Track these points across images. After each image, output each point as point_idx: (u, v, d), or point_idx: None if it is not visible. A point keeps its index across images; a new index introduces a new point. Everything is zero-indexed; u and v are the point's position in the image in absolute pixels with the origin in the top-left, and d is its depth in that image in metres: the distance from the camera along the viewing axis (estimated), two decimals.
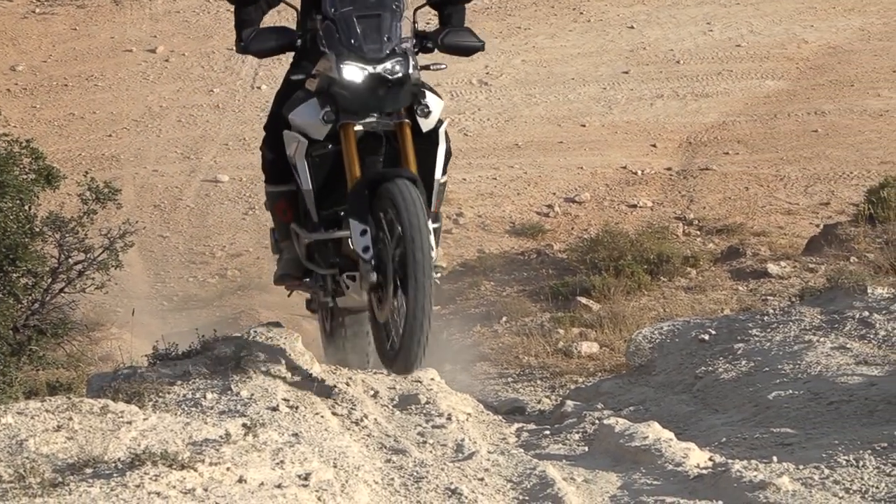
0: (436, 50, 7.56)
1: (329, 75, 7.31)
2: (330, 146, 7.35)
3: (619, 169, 15.43)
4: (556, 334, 10.68)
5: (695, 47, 17.44)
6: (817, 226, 13.14)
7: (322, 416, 6.73)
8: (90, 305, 10.33)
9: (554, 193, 14.85)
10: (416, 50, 7.43)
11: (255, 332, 7.86)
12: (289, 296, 8.26)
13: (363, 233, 7.01)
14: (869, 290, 8.05)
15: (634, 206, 14.51)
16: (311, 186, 7.40)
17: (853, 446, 5.84)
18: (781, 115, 16.32)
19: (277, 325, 8.09)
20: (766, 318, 8.00)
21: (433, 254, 6.93)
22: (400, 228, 6.80)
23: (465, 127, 15.80)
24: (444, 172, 7.55)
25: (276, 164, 7.69)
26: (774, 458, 5.82)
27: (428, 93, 7.36)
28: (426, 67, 7.46)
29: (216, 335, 7.77)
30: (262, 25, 7.72)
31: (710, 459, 5.85)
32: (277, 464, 5.29)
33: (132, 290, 12.37)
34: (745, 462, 5.75)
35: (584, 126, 15.96)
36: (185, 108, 17.08)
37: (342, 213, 7.36)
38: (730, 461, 5.75)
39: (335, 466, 5.50)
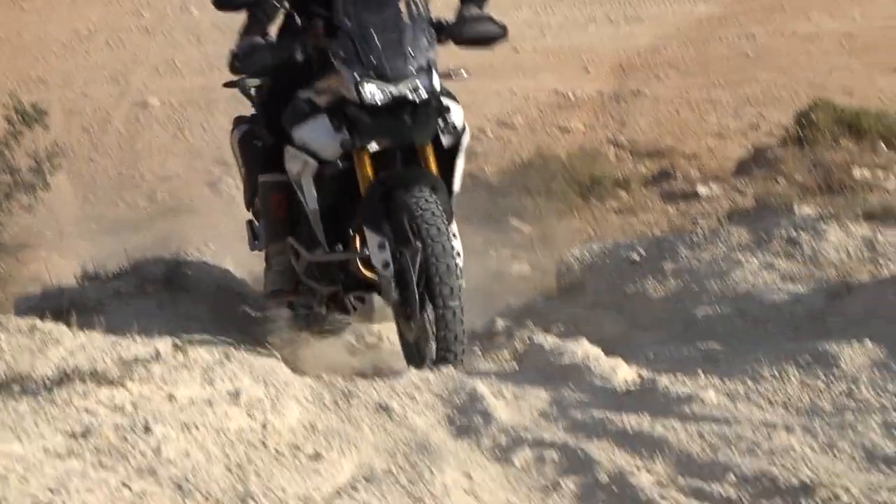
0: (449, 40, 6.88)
1: (344, 94, 6.65)
2: (340, 165, 6.74)
3: (551, 93, 15.45)
4: (487, 256, 10.73)
5: None
6: (747, 148, 13.25)
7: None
8: (18, 227, 10.27)
9: (486, 118, 14.86)
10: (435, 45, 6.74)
11: (185, 253, 7.83)
12: (287, 306, 7.50)
13: (381, 246, 6.46)
14: (796, 210, 8.14)
15: (566, 129, 14.55)
16: (318, 210, 6.77)
17: (778, 360, 5.92)
18: (713, 39, 16.39)
19: (206, 245, 8.04)
20: (694, 238, 8.07)
21: (460, 262, 6.43)
22: (421, 241, 6.34)
23: None
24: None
25: (275, 150, 6.99)
26: (700, 373, 5.89)
27: (451, 105, 6.73)
28: (447, 76, 6.82)
29: (145, 256, 7.75)
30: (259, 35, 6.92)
31: (639, 375, 5.92)
32: (207, 382, 5.31)
33: (61, 212, 12.29)
34: (671, 377, 5.83)
35: (516, 51, 15.95)
36: (113, 30, 16.90)
37: (351, 232, 6.80)
38: (657, 376, 5.83)
39: (265, 384, 5.52)
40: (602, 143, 14.15)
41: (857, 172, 8.54)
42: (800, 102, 13.07)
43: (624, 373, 5.95)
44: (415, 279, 6.36)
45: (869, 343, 6.01)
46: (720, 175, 12.11)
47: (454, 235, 6.40)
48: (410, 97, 6.51)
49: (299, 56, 6.74)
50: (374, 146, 6.58)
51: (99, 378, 5.08)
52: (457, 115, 6.67)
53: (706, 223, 10.30)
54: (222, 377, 5.37)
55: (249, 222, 7.42)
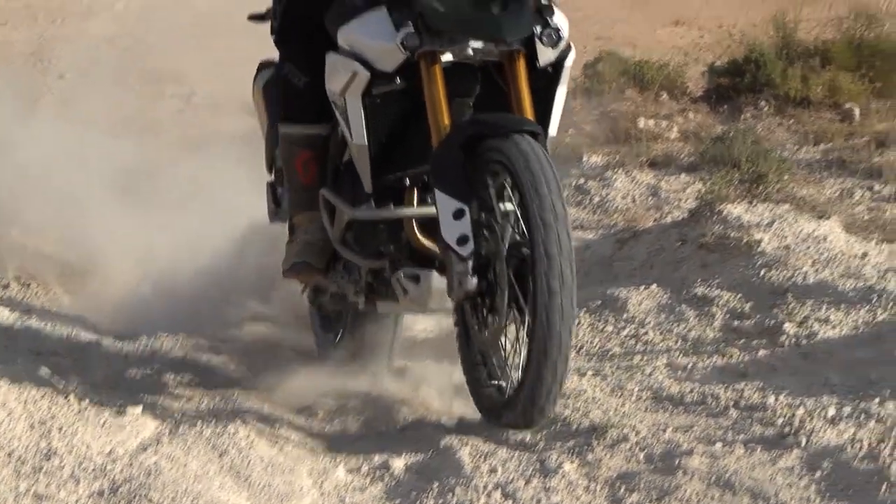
0: None
1: None
2: (398, 81, 4.99)
3: None
4: None
5: None
6: None
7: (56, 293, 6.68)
8: None
9: None
10: None
11: None
12: (302, 292, 5.86)
13: (459, 214, 4.68)
14: (585, 159, 8.37)
15: None
16: (366, 141, 5.03)
17: None
18: None
19: None
20: None
21: (572, 245, 4.61)
22: (522, 209, 4.58)
23: (196, 5, 15.61)
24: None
25: (305, 93, 5.31)
26: None
27: (559, 13, 5.04)
28: None
29: None
30: None
31: None
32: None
33: None
34: None
35: None
36: None
37: (407, 182, 5.10)
38: None
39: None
40: None
41: (642, 122, 8.82)
42: (587, 55, 13.33)
43: None
44: (507, 269, 4.66)
45: (654, 287, 6.25)
46: None
47: (567, 212, 4.60)
48: None
49: None
50: (447, 56, 4.92)
51: None
52: (561, 19, 5.01)
53: None
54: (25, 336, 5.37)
55: (270, 185, 5.95)
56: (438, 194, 4.74)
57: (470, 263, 4.68)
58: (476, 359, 4.90)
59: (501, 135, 4.68)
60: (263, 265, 6.36)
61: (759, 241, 6.43)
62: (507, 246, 4.66)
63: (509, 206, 4.70)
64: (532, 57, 4.94)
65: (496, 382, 4.85)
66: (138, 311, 6.46)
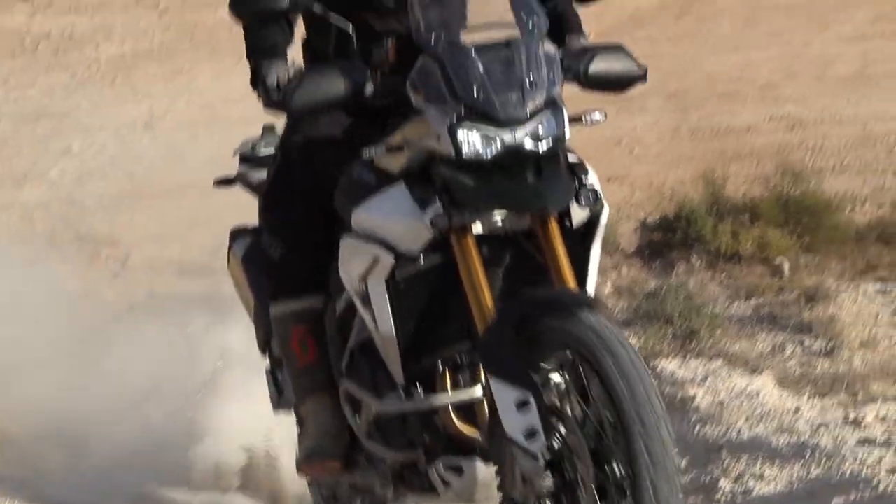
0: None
1: (431, 147, 4.41)
2: (422, 260, 4.48)
3: None
4: None
5: None
6: None
7: None
8: None
9: (222, 233, 14.89)
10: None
11: None
12: (310, 484, 5.33)
13: (522, 404, 4.03)
14: None
15: None
16: (394, 330, 4.48)
17: None
18: None
19: None
20: None
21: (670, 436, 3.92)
22: (609, 401, 3.90)
23: (131, 170, 15.71)
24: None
25: (294, 266, 4.87)
26: None
27: (588, 168, 4.54)
28: (576, 120, 4.52)
29: None
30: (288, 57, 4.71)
31: None
32: None
33: None
34: None
35: None
36: None
37: (440, 366, 4.53)
38: None
39: None
40: None
41: None
42: None
43: None
44: (591, 470, 3.98)
45: None
46: None
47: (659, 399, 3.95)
48: (530, 148, 4.33)
49: (369, 90, 4.46)
50: (477, 228, 4.41)
51: None
52: (594, 177, 4.54)
53: None
54: None
55: (269, 372, 5.35)
56: (495, 384, 4.10)
57: (542, 460, 4.03)
58: None
59: (561, 313, 4.10)
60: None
61: (693, 397, 6.49)
62: (587, 437, 4.02)
63: (573, 388, 4.09)
64: (563, 216, 4.47)
65: None
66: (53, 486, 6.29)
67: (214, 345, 7.37)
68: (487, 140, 4.32)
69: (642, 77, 4.62)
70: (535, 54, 4.40)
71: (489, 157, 4.32)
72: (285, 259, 4.90)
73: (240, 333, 6.87)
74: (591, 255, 4.57)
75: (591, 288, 4.56)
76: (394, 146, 4.52)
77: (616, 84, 4.60)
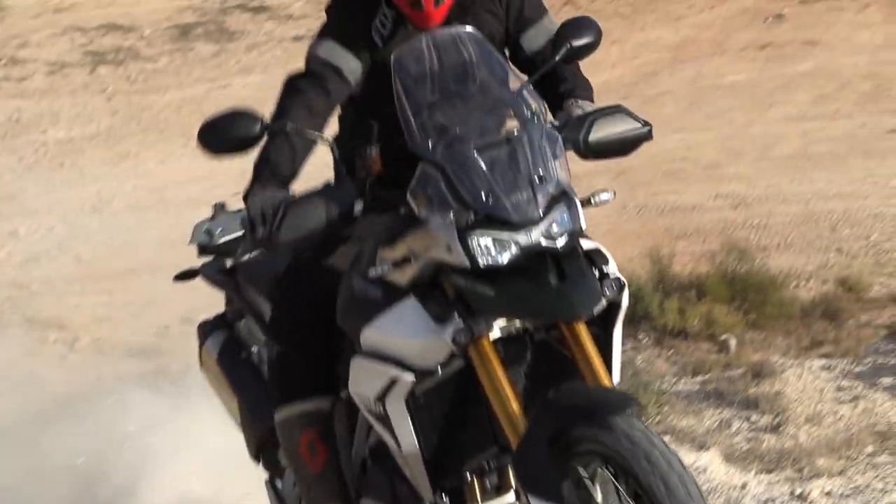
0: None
1: (441, 259, 4.13)
2: (440, 372, 4.23)
3: None
4: None
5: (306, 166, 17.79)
6: None
7: None
8: None
9: (170, 314, 14.83)
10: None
11: None
12: None
13: None
14: None
15: None
16: (418, 447, 4.25)
17: None
18: None
19: None
20: None
21: None
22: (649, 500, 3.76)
23: (79, 253, 15.67)
24: None
25: (301, 367, 4.64)
26: None
27: (601, 248, 4.34)
28: (586, 203, 4.27)
29: None
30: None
31: None
32: None
33: None
34: None
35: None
36: None
37: (468, 476, 4.34)
38: None
39: None
40: None
41: None
42: None
43: None
44: None
45: None
46: None
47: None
48: (547, 245, 4.06)
49: (358, 209, 4.21)
50: (496, 333, 4.19)
51: None
52: (613, 264, 4.32)
53: None
54: None
55: (269, 482, 4.99)
56: (533, 499, 3.90)
57: None
58: None
59: (593, 421, 3.89)
60: None
61: None
62: None
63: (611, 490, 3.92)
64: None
65: None
66: None
67: (167, 432, 7.31)
68: (502, 245, 4.06)
69: (646, 135, 4.40)
70: (538, 145, 4.16)
71: (506, 262, 4.06)
72: (290, 360, 4.65)
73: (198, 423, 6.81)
74: (613, 341, 4.37)
75: (616, 371, 4.39)
76: (396, 259, 4.24)
77: (619, 148, 4.38)
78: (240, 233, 5.27)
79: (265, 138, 4.35)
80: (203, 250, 5.41)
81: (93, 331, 14.59)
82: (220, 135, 4.27)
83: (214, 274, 5.38)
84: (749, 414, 7.98)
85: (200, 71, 17.12)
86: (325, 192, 4.23)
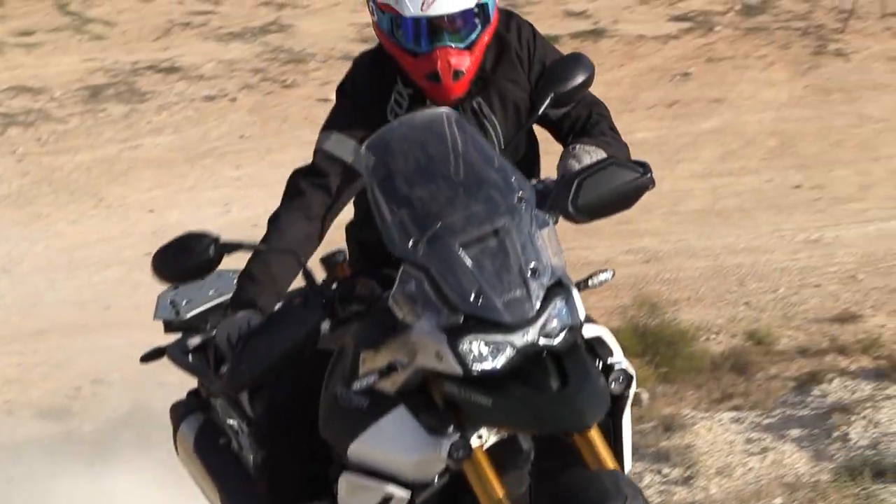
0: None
1: (430, 366, 3.81)
2: (435, 482, 3.95)
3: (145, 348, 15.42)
4: None
5: (216, 227, 17.75)
6: None
7: None
8: None
9: (81, 376, 14.71)
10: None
11: None
12: None
13: None
14: None
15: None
16: None
17: None
18: None
19: None
20: None
21: None
22: None
23: None
24: None
25: (291, 475, 4.33)
26: None
27: (604, 335, 4.11)
28: (583, 285, 4.02)
29: None
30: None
31: None
32: None
33: None
34: None
35: (108, 308, 15.94)
36: None
37: None
38: None
39: None
40: None
41: None
42: None
43: None
44: None
45: None
46: None
47: None
48: (545, 344, 3.75)
49: (325, 328, 3.89)
50: (491, 438, 3.87)
51: None
52: (619, 352, 4.07)
53: None
54: None
55: None
56: None
57: None
58: None
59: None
60: None
61: None
62: None
63: None
64: None
65: None
66: None
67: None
68: (496, 348, 3.71)
69: (646, 183, 4.14)
70: (528, 233, 3.83)
71: (500, 367, 3.71)
72: (279, 466, 4.34)
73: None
74: (622, 426, 4.09)
75: (628, 459, 4.14)
76: (381, 368, 3.89)
77: (618, 203, 4.08)
78: (209, 304, 4.97)
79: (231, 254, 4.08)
80: (168, 326, 5.05)
81: (3, 392, 14.46)
82: (174, 263, 4.01)
83: (182, 355, 4.90)
84: (661, 467, 8.06)
85: (111, 132, 17.06)
86: (287, 317, 3.91)
